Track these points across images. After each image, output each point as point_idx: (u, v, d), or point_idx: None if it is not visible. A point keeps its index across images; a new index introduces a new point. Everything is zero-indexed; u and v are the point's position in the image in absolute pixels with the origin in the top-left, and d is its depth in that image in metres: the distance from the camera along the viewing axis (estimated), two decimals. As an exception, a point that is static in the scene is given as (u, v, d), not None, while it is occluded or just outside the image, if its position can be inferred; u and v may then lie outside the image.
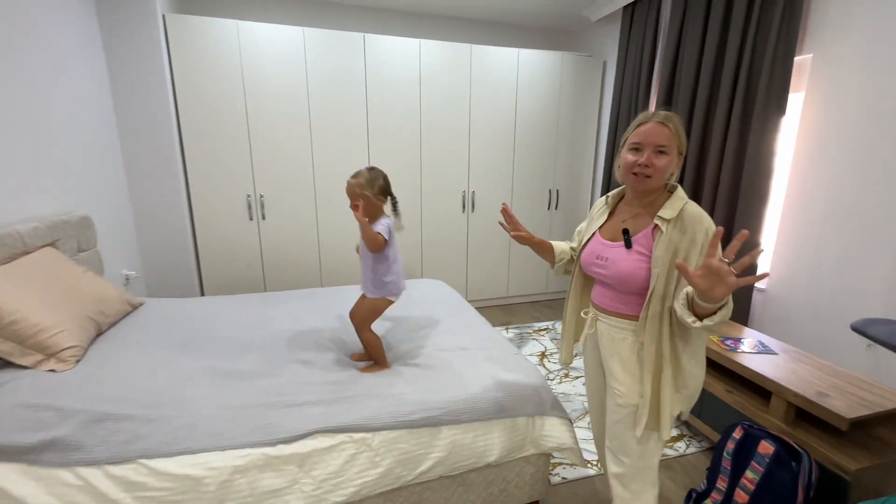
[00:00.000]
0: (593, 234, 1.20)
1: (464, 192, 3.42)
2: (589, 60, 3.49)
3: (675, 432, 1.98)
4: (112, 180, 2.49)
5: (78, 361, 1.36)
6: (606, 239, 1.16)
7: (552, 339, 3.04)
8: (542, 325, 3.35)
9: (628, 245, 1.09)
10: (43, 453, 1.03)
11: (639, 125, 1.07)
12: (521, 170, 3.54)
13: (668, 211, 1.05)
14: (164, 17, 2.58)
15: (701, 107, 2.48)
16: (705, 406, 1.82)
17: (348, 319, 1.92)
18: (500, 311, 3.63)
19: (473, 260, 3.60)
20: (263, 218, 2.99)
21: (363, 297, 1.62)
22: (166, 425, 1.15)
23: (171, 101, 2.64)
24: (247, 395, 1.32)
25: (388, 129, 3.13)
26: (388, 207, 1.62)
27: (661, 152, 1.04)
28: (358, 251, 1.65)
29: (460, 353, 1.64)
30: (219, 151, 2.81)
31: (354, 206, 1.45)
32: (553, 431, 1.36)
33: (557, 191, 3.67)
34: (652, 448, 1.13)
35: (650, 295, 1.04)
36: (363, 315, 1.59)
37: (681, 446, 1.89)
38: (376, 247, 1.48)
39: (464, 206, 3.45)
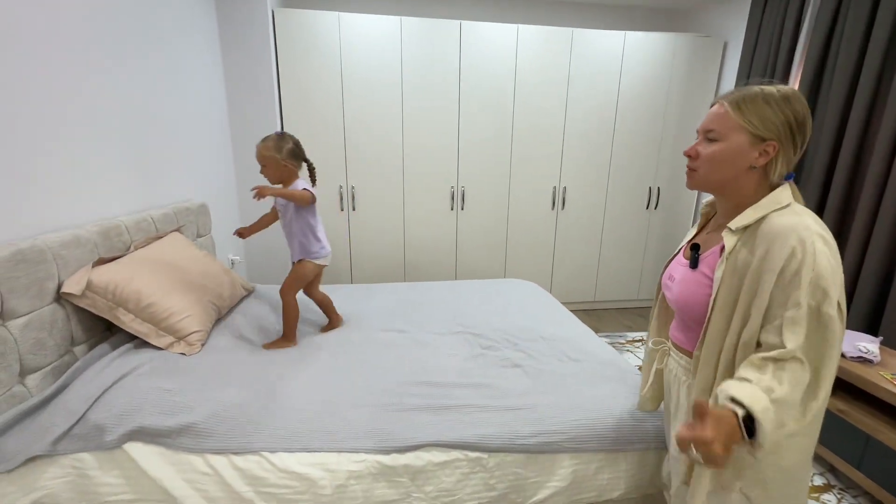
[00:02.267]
0: (680, 248, 0.98)
1: (554, 187, 3.22)
2: (706, 41, 3.09)
3: (819, 480, 1.67)
4: (222, 171, 2.64)
5: (203, 345, 1.42)
6: (685, 255, 0.94)
7: (650, 353, 2.77)
8: (636, 335, 3.07)
9: (693, 264, 0.87)
10: (179, 438, 1.06)
11: None
12: (618, 165, 3.25)
13: (739, 220, 0.79)
14: (272, 11, 2.67)
15: (864, 92, 2.06)
16: (869, 456, 1.51)
17: (448, 319, 1.85)
18: (586, 317, 3.40)
19: (560, 261, 3.39)
20: (354, 209, 3.04)
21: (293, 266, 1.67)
22: (284, 420, 1.15)
23: (276, 95, 2.74)
24: (355, 393, 1.29)
25: (479, 121, 3.01)
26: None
27: (710, 139, 0.82)
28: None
29: (572, 366, 1.49)
30: (315, 143, 2.88)
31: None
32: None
33: (658, 188, 3.33)
34: None
35: (705, 329, 0.81)
36: (290, 280, 1.64)
37: (830, 500, 1.59)
38: (306, 201, 1.53)
39: (553, 203, 3.25)
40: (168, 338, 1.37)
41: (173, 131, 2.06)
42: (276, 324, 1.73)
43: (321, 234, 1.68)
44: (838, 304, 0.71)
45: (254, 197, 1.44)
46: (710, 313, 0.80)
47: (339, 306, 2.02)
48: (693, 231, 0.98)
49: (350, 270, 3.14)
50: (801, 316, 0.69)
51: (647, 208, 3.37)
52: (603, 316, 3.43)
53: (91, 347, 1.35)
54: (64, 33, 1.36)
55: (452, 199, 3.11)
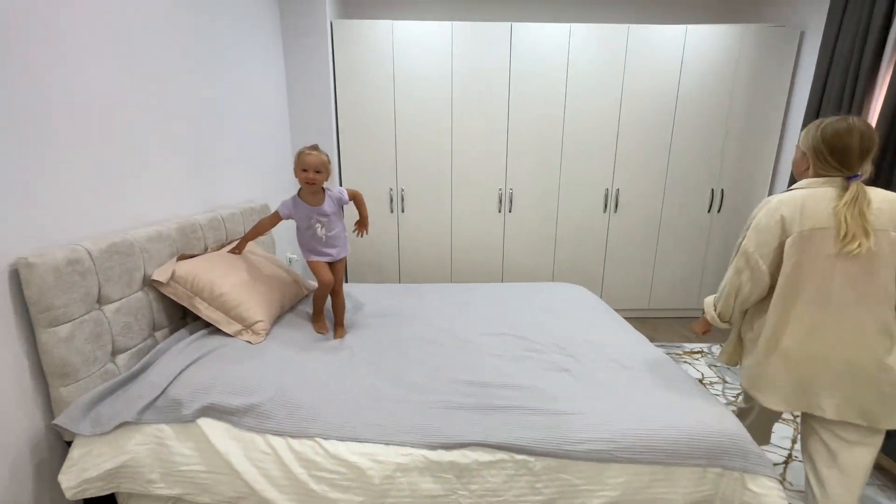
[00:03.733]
0: None
1: (607, 189, 3.12)
2: (780, 32, 2.87)
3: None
4: (282, 173, 2.81)
5: (267, 335, 1.52)
6: None
7: (710, 366, 2.60)
8: (694, 346, 2.90)
9: None
10: (243, 417, 1.15)
11: None
12: (676, 165, 3.09)
13: None
14: (331, 23, 2.81)
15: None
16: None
17: (494, 321, 1.85)
18: (639, 325, 3.25)
19: (612, 265, 3.27)
20: (403, 211, 3.11)
21: (337, 263, 1.79)
22: (336, 409, 1.20)
23: (332, 101, 2.88)
24: (402, 388, 1.32)
25: (528, 122, 2.99)
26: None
27: None
28: (315, 230, 1.71)
29: (623, 373, 1.44)
30: (367, 146, 2.99)
31: (310, 181, 1.61)
32: (761, 492, 1.09)
33: (722, 190, 3.13)
34: None
35: None
36: (341, 276, 1.79)
37: None
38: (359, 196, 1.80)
39: (606, 205, 3.15)
40: (236, 325, 1.48)
41: (238, 135, 2.23)
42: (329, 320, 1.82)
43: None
44: (750, 252, 1.17)
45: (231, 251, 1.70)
46: None
47: (387, 303, 2.08)
48: None
49: (398, 270, 3.22)
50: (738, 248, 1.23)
51: (709, 211, 3.17)
52: (658, 325, 3.27)
53: (169, 334, 1.49)
54: (140, 46, 1.51)
55: (500, 201, 3.11)
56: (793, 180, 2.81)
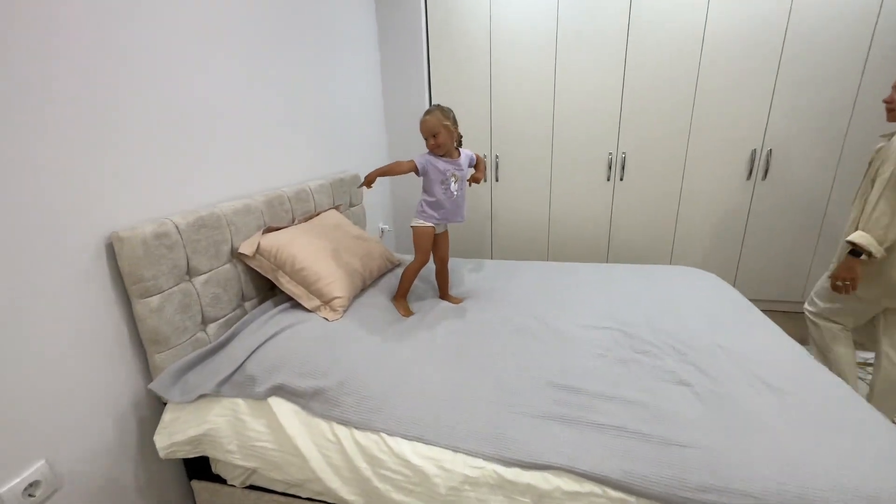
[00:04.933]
0: None
1: (754, 151, 2.48)
2: None
3: None
4: (375, 141, 2.77)
5: (345, 311, 1.48)
6: None
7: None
8: (868, 355, 2.22)
9: None
10: (311, 401, 1.11)
11: None
12: (861, 121, 2.31)
13: None
14: (425, -24, 2.61)
15: None
16: None
17: (597, 310, 1.58)
18: (785, 321, 2.61)
19: (753, 246, 2.65)
20: (497, 180, 2.88)
21: (445, 233, 1.73)
22: (406, 402, 1.10)
23: (425, 61, 2.71)
24: (480, 385, 1.16)
25: (650, 76, 2.49)
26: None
27: None
28: (447, 189, 1.59)
29: (770, 395, 1.09)
30: (460, 109, 2.77)
31: (432, 148, 1.54)
32: None
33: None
34: None
35: None
36: (447, 247, 1.74)
37: None
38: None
39: (751, 172, 2.52)
40: (315, 300, 1.47)
41: (332, 106, 2.20)
42: (412, 296, 1.73)
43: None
44: None
45: (359, 186, 1.60)
46: None
47: (475, 281, 1.92)
48: None
49: (490, 245, 3.04)
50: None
51: None
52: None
53: (258, 304, 1.53)
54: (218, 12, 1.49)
55: (610, 167, 2.68)
56: None
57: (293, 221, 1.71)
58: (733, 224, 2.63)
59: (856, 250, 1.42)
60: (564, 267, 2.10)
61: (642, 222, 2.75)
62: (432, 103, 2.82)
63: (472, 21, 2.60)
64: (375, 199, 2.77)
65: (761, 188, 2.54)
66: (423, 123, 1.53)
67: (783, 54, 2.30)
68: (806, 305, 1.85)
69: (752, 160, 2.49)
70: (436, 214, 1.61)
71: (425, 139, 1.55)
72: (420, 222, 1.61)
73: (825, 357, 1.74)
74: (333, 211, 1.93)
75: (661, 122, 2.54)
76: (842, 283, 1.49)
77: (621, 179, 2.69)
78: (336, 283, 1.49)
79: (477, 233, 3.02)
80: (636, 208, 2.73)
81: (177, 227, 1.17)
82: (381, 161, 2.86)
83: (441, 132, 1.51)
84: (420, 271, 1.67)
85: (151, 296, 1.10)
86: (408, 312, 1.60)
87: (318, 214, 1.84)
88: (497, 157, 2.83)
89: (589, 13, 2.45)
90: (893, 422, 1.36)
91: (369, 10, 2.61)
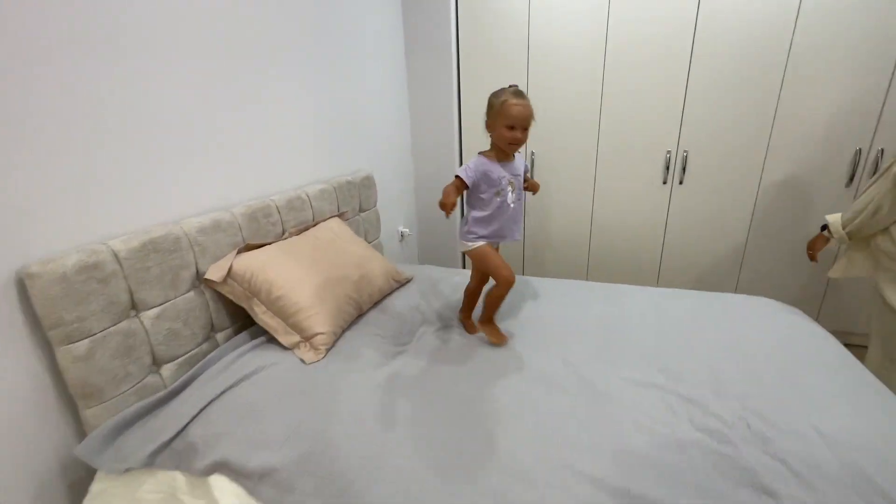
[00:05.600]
0: None
1: (859, 150, 1.97)
2: None
3: None
4: (397, 137, 2.50)
5: (329, 350, 1.24)
6: None
7: None
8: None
9: None
10: (259, 484, 0.87)
11: None
12: None
13: None
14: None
15: None
16: None
17: (645, 356, 1.22)
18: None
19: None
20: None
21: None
22: (380, 487, 0.84)
23: (454, 41, 2.40)
24: (489, 463, 0.88)
25: (722, 63, 2.02)
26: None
27: None
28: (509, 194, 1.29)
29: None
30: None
31: (515, 142, 1.22)
32: None
33: None
34: None
35: None
36: None
37: None
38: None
39: (852, 176, 2.01)
40: (294, 336, 1.23)
41: (343, 102, 1.95)
42: (409, 333, 1.45)
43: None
44: None
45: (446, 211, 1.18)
46: None
47: (523, 304, 1.61)
48: None
49: (521, 257, 2.70)
50: None
51: None
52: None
53: (236, 333, 1.33)
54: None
55: (667, 168, 2.26)
56: None
57: (282, 235, 1.48)
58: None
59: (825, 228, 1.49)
60: (606, 290, 1.74)
61: (703, 236, 2.30)
62: (460, 92, 2.50)
63: (506, 20, 2.25)
64: (392, 198, 2.51)
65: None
66: (511, 108, 1.16)
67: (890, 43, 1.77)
68: None
69: (855, 162, 1.98)
70: (485, 232, 1.29)
71: (510, 130, 1.18)
72: (470, 245, 1.30)
73: None
74: (335, 220, 1.69)
75: (734, 116, 2.07)
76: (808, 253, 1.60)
77: (681, 182, 2.26)
78: (319, 316, 1.25)
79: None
80: (697, 218, 2.29)
81: (115, 255, 0.96)
82: (401, 161, 2.58)
83: (528, 128, 1.21)
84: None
85: (76, 341, 0.90)
86: (501, 338, 1.31)
87: (315, 225, 1.61)
88: (533, 153, 2.47)
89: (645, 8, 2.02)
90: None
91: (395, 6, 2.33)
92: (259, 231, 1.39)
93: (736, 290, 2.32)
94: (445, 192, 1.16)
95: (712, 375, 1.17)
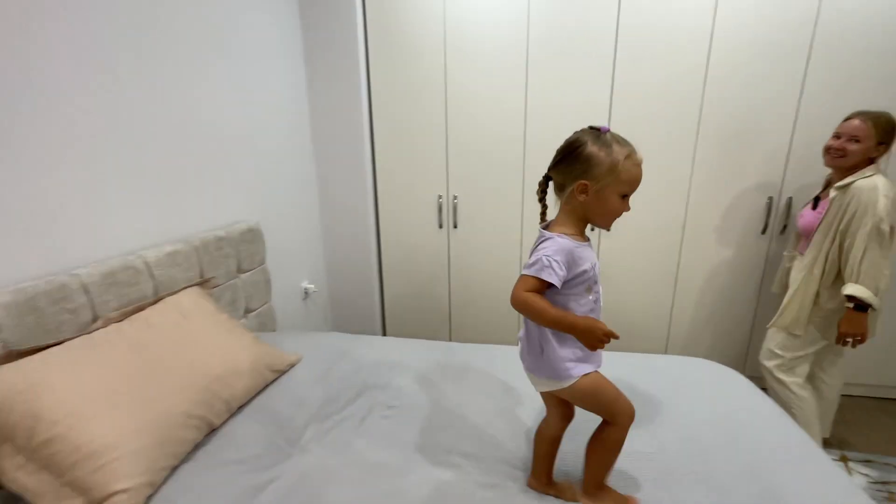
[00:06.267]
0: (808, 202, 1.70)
1: (770, 199, 1.96)
2: None
3: None
4: (297, 176, 2.12)
5: (141, 510, 0.80)
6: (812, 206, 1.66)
7: None
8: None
9: (814, 206, 1.62)
10: None
11: None
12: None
13: (841, 183, 1.45)
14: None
15: None
16: None
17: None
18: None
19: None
20: (455, 226, 2.28)
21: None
22: None
23: (364, 84, 2.12)
24: None
25: (643, 99, 1.94)
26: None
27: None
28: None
29: None
30: (408, 143, 2.19)
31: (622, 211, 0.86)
32: None
33: None
34: None
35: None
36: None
37: None
38: None
39: (767, 224, 1.99)
40: (75, 501, 0.78)
41: (221, 123, 1.56)
42: (302, 425, 1.07)
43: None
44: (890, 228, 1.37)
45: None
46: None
47: (420, 382, 1.27)
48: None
49: (448, 315, 2.40)
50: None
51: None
52: (848, 412, 2.02)
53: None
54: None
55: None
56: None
57: (90, 327, 1.03)
58: (749, 288, 2.08)
59: (860, 304, 1.40)
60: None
61: (632, 283, 2.17)
62: (372, 131, 2.21)
63: (420, 30, 2.03)
64: (292, 249, 2.10)
65: (779, 243, 2.01)
66: (633, 170, 0.82)
67: (806, 80, 1.80)
68: (766, 361, 1.69)
69: (770, 207, 1.97)
70: (585, 352, 0.85)
71: (609, 201, 0.83)
72: (576, 375, 0.84)
73: (791, 412, 1.58)
74: (190, 292, 1.27)
75: (661, 157, 1.99)
76: (852, 340, 1.47)
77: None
78: (122, 461, 0.81)
79: (432, 296, 2.39)
80: (627, 264, 2.16)
81: None
82: (303, 201, 2.20)
83: None
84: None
85: None
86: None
87: (154, 303, 1.17)
88: (455, 197, 2.23)
89: (568, 21, 1.91)
90: (826, 440, 1.76)
91: (292, 24, 2.01)
92: (41, 325, 0.93)
93: (666, 349, 2.21)
94: (535, 310, 0.79)
95: (660, 445, 0.92)
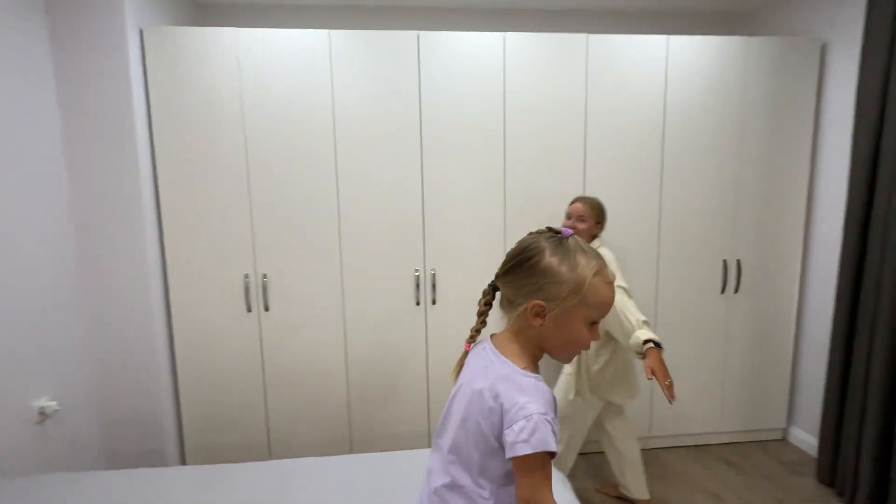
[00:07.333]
0: None
1: (724, 261, 2.15)
2: (796, 44, 2.07)
3: None
4: (57, 259, 1.64)
5: None
6: None
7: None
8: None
9: None
10: None
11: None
12: (672, 224, 2.12)
13: None
14: (141, 32, 1.81)
15: None
16: None
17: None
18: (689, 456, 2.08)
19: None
20: (266, 309, 1.97)
21: None
22: None
23: (148, 143, 1.81)
24: None
25: (453, 166, 1.99)
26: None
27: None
28: None
29: None
30: (207, 219, 1.90)
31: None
32: None
33: (739, 262, 2.15)
34: None
35: None
36: None
37: None
38: None
39: (724, 285, 2.14)
40: None
41: None
42: None
43: None
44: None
45: None
46: None
47: None
48: None
49: (265, 420, 2.01)
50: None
51: (723, 292, 2.17)
52: (659, 463, 2.10)
53: None
54: None
55: (418, 287, 2.01)
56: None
57: None
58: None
59: (656, 343, 1.45)
60: (362, 463, 1.20)
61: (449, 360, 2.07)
62: (159, 204, 1.86)
63: (216, 95, 1.84)
64: (19, 354, 1.55)
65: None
66: (606, 291, 0.67)
67: (587, 157, 2.03)
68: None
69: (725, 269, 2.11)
70: None
71: (576, 329, 0.66)
72: None
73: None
74: None
75: (475, 229, 2.01)
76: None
77: (434, 302, 2.03)
78: None
79: (244, 397, 1.98)
80: (450, 339, 2.06)
81: None
82: (55, 293, 1.68)
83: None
84: None
85: None
86: None
87: None
88: (265, 275, 1.95)
89: (373, 90, 1.91)
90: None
91: (44, 77, 1.65)
92: None
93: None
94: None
95: None
